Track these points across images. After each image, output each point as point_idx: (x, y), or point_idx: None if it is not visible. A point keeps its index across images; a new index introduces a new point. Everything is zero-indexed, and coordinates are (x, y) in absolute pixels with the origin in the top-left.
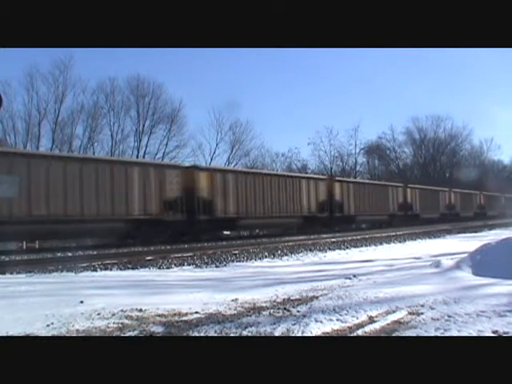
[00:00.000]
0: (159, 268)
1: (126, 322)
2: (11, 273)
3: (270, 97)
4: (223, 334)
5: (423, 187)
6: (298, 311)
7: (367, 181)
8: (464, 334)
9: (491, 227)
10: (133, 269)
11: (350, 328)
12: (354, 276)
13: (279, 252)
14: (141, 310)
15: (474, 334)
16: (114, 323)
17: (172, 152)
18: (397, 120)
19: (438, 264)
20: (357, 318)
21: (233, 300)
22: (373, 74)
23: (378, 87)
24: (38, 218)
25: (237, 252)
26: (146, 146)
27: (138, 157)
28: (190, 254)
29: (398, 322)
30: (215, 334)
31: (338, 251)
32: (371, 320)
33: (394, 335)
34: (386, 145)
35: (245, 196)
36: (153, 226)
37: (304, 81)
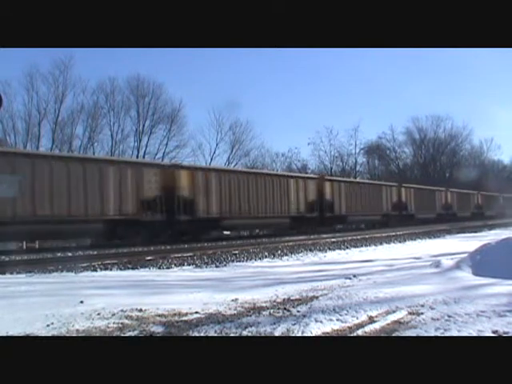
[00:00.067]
0: (159, 268)
1: (126, 322)
2: (11, 273)
3: (270, 97)
4: (223, 334)
5: (418, 187)
6: (298, 311)
7: (360, 180)
8: (464, 333)
9: (491, 227)
10: (133, 269)
11: (350, 328)
12: (354, 276)
13: (279, 252)
14: (141, 310)
15: (474, 334)
16: (113, 323)
17: (172, 152)
18: (397, 120)
19: (438, 264)
20: (357, 318)
21: (233, 300)
22: (373, 73)
23: (378, 87)
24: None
25: (237, 252)
26: (146, 146)
27: (138, 157)
28: (190, 254)
29: (398, 322)
30: (215, 334)
31: (338, 251)
32: (371, 320)
33: (394, 335)
34: (386, 145)
35: (229, 195)
36: (129, 226)
37: (304, 81)
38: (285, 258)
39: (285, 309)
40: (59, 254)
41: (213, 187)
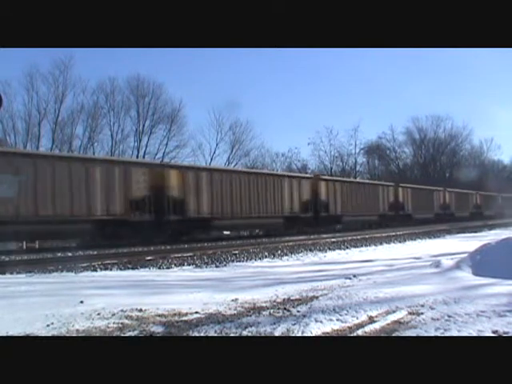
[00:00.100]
0: (159, 268)
1: (126, 322)
2: (11, 273)
3: (270, 97)
4: (223, 334)
5: (415, 186)
6: (298, 311)
7: (356, 180)
8: (464, 333)
9: (491, 227)
10: (133, 269)
11: (350, 328)
12: (354, 276)
13: (279, 252)
14: (141, 310)
15: (474, 334)
16: (114, 323)
17: (172, 152)
18: (397, 120)
19: (438, 264)
20: (357, 318)
21: (233, 300)
22: (373, 73)
23: (378, 87)
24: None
25: (237, 252)
26: (146, 146)
27: (137, 157)
28: (190, 254)
29: (398, 322)
30: (215, 334)
31: (337, 251)
32: (371, 320)
33: (394, 335)
34: (386, 145)
35: (220, 195)
36: (117, 226)
37: (304, 81)
38: (285, 257)
39: (285, 309)
40: (59, 254)
41: (203, 187)
